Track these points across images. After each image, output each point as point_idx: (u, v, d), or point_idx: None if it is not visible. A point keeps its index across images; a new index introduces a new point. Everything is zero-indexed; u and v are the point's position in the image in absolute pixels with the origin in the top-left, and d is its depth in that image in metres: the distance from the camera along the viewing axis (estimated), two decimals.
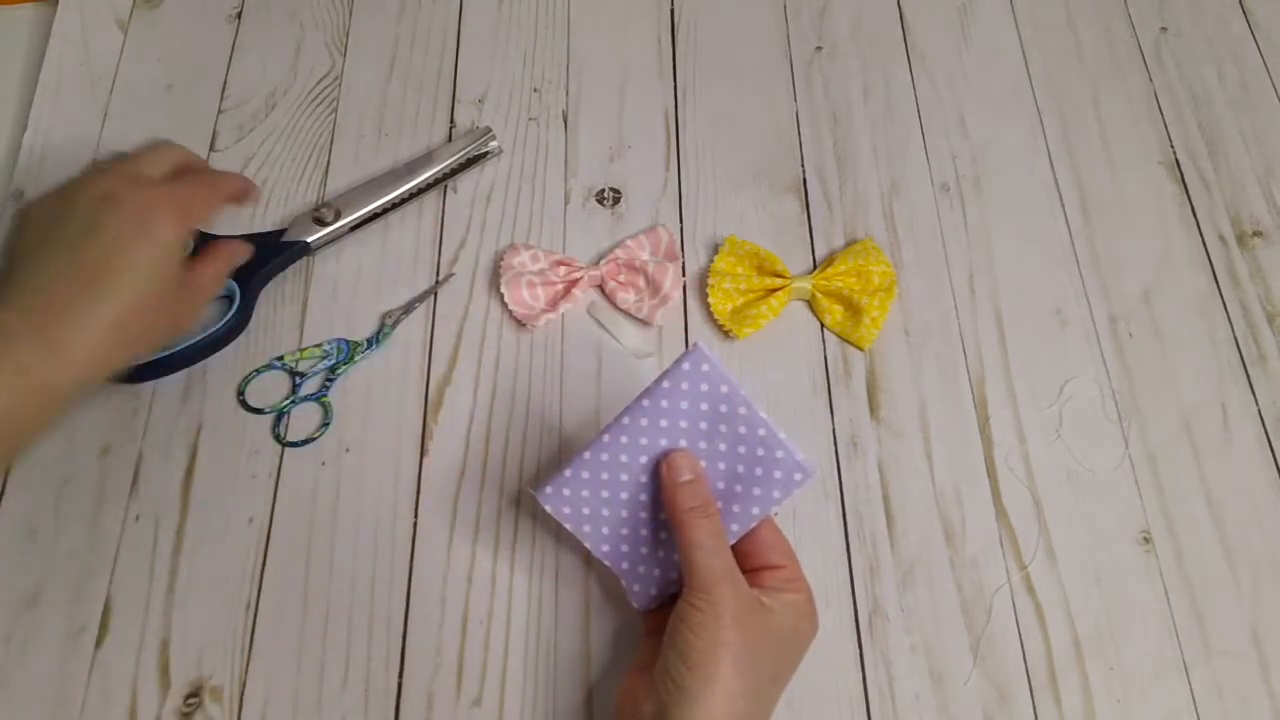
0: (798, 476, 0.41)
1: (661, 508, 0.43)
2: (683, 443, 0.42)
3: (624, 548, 0.44)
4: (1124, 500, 0.52)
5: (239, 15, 0.67)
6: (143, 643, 0.48)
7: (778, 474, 0.41)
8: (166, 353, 0.51)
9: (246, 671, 0.47)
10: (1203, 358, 0.56)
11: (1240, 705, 0.47)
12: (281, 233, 0.55)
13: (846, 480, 0.52)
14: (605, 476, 0.43)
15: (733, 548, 0.42)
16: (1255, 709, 0.47)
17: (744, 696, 0.38)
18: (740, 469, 0.42)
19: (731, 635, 0.38)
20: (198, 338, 0.52)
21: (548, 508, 0.44)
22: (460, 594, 0.49)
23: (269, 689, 0.47)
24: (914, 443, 0.53)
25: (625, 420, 0.42)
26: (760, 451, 0.41)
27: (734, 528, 0.42)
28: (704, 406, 0.41)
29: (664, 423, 0.42)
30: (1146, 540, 0.51)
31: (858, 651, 0.48)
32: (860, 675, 0.48)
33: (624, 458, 0.42)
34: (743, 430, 0.41)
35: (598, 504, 0.43)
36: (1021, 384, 0.55)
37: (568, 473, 0.43)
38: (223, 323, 0.52)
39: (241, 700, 0.47)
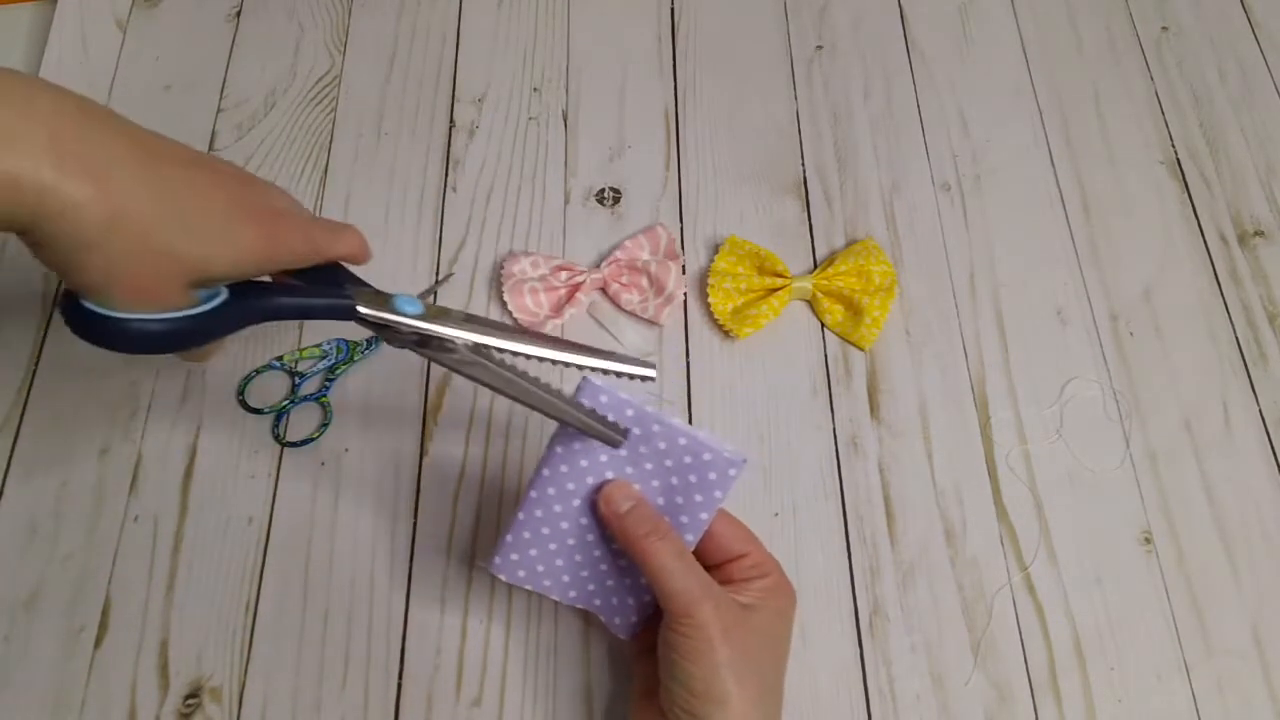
0: (731, 472, 0.40)
1: (613, 540, 0.42)
2: (609, 474, 0.41)
3: (590, 587, 0.43)
4: (1125, 500, 0.52)
5: (238, 14, 0.66)
6: (142, 643, 0.48)
7: (712, 475, 0.40)
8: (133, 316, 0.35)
9: (246, 672, 0.47)
10: (1204, 357, 0.56)
11: (1241, 705, 0.47)
12: (344, 287, 0.41)
13: (847, 480, 0.52)
14: (546, 531, 0.42)
15: (693, 553, 0.41)
16: (1256, 709, 0.47)
17: (757, 704, 0.38)
18: (674, 481, 0.41)
19: (726, 652, 0.38)
20: (182, 312, 0.36)
21: (502, 577, 0.43)
22: (460, 594, 0.49)
23: (268, 689, 0.47)
24: (914, 443, 0.53)
25: (545, 472, 0.41)
26: (688, 459, 0.40)
27: (689, 538, 0.41)
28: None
29: (584, 462, 0.41)
30: (1147, 540, 0.51)
31: (858, 652, 0.48)
32: (861, 675, 0.48)
33: (558, 507, 0.41)
34: (663, 445, 0.40)
35: (549, 557, 0.42)
36: (1022, 384, 0.55)
37: (509, 538, 0.42)
38: (208, 307, 0.37)
39: (241, 700, 0.47)
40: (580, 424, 0.39)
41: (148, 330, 0.34)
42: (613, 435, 0.39)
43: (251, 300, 0.38)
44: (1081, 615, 0.49)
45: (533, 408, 0.39)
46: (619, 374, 0.40)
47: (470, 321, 0.40)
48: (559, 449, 0.41)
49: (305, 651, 0.48)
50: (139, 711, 0.46)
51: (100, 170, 0.32)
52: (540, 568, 0.43)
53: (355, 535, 0.50)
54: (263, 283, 0.39)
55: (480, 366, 0.40)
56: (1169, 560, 0.50)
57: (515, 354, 0.40)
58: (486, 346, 0.40)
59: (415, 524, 0.51)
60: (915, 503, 0.51)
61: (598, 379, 0.40)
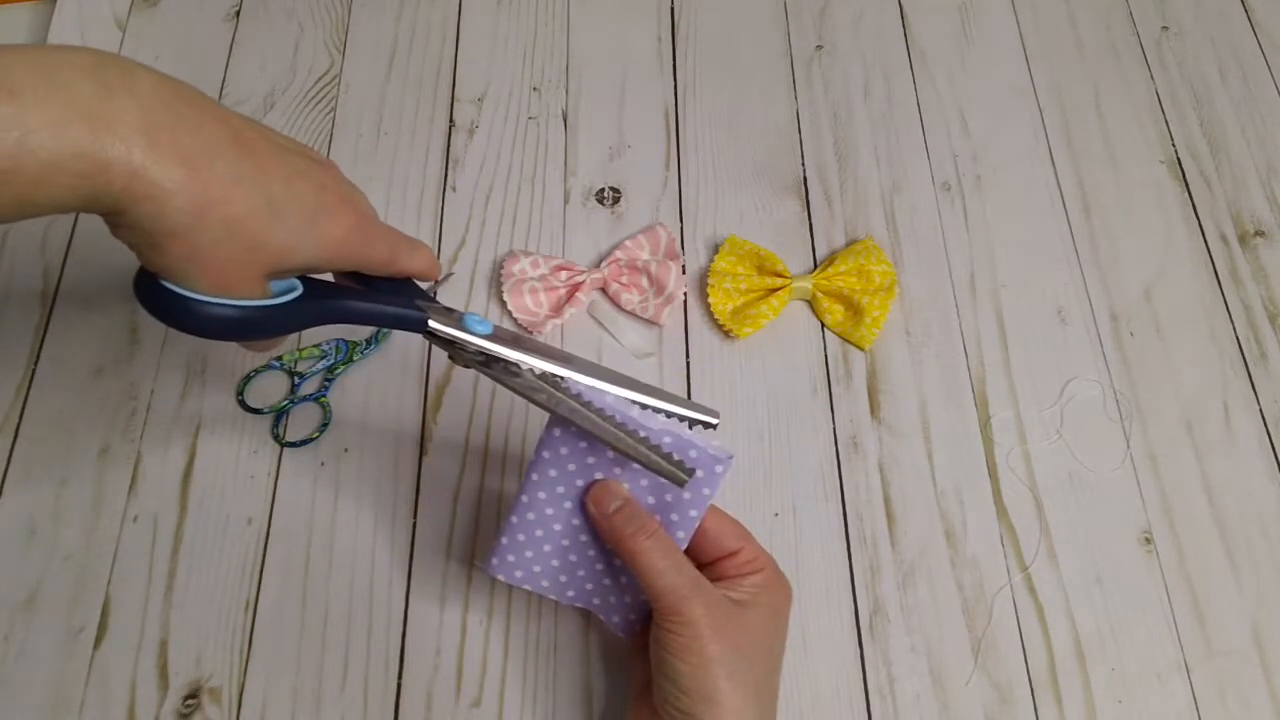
0: (718, 469, 0.40)
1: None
2: (598, 475, 0.41)
3: (588, 586, 0.43)
4: (1125, 500, 0.52)
5: (237, 14, 0.66)
6: (141, 643, 0.48)
7: (700, 472, 0.40)
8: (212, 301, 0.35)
9: (245, 672, 0.47)
10: (1204, 357, 0.56)
11: (1242, 705, 0.47)
12: (413, 301, 0.40)
13: (847, 480, 0.52)
14: (539, 532, 0.42)
15: (685, 552, 0.41)
16: (1257, 709, 0.47)
17: (750, 701, 0.38)
18: (663, 480, 0.41)
19: (716, 648, 0.38)
20: (256, 302, 0.36)
21: (500, 577, 0.43)
22: (459, 594, 0.49)
23: (268, 690, 0.47)
24: (915, 443, 0.53)
25: (534, 475, 0.41)
26: (675, 457, 0.40)
27: (680, 535, 0.41)
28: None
29: (571, 466, 0.41)
30: (1148, 540, 0.51)
31: (858, 652, 0.48)
32: (861, 676, 0.48)
33: (549, 510, 0.41)
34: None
35: (545, 558, 0.42)
36: (1023, 383, 0.55)
37: (504, 540, 0.42)
38: (284, 300, 0.37)
39: (240, 701, 0.46)
40: (646, 460, 0.39)
41: (221, 315, 0.34)
42: (678, 474, 0.39)
43: (325, 299, 0.38)
44: (1082, 615, 0.49)
45: (597, 438, 0.39)
46: (681, 418, 0.40)
47: (538, 349, 0.40)
48: (545, 452, 0.41)
49: (305, 652, 0.48)
50: (138, 712, 0.46)
51: (193, 157, 0.31)
52: (537, 568, 0.43)
53: (355, 535, 0.50)
54: (336, 283, 0.39)
55: (546, 394, 0.39)
56: (1169, 560, 0.50)
57: (580, 384, 0.40)
58: (553, 374, 0.40)
59: (415, 524, 0.51)
60: (915, 503, 0.51)
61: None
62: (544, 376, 0.40)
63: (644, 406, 0.40)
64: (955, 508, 0.51)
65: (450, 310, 0.40)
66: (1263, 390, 0.55)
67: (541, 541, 0.42)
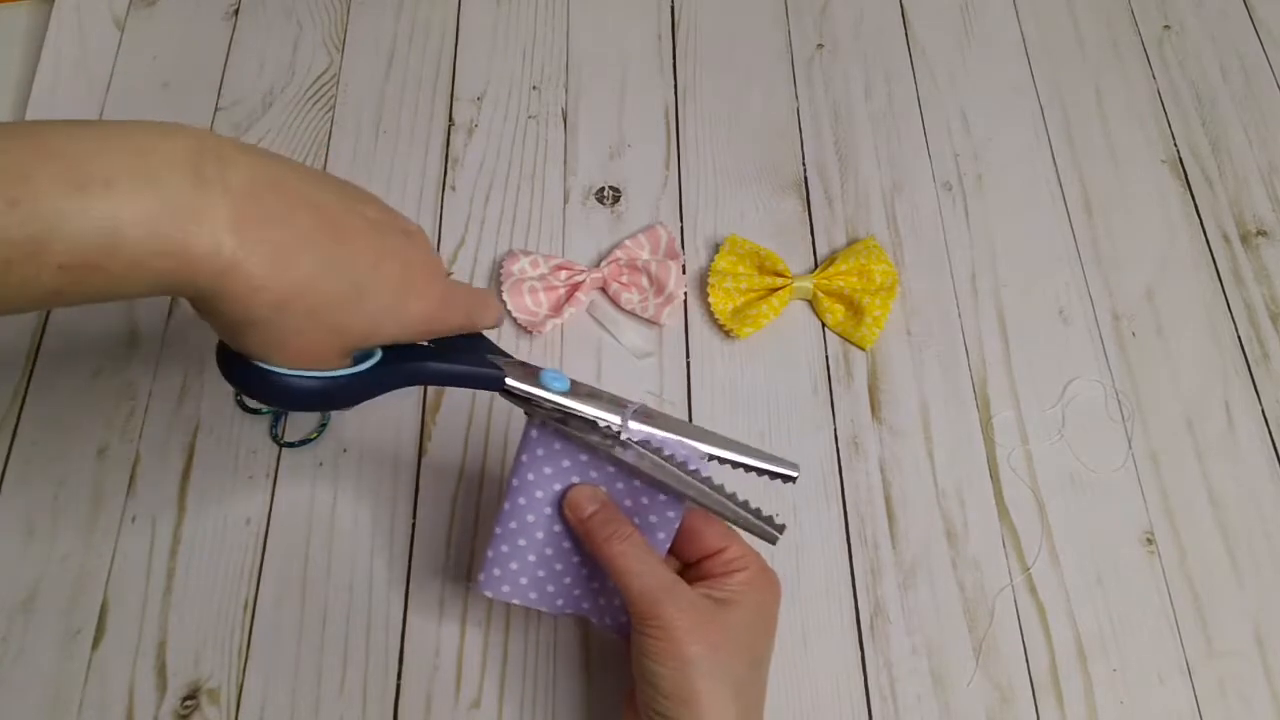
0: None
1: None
2: (575, 479, 0.41)
3: (577, 591, 0.43)
4: (1127, 500, 0.52)
5: (236, 12, 0.66)
6: (140, 644, 0.47)
7: (680, 474, 0.40)
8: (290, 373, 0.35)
9: (244, 673, 0.47)
10: (1206, 357, 0.55)
11: (1243, 706, 0.47)
12: (498, 367, 0.40)
13: (848, 481, 0.52)
14: (523, 543, 0.42)
15: (670, 550, 0.41)
16: (1258, 709, 0.47)
17: (731, 701, 0.37)
18: (637, 481, 0.41)
19: (694, 649, 0.37)
20: (335, 372, 0.36)
21: (488, 594, 0.42)
22: (459, 595, 0.49)
23: (266, 691, 0.47)
24: (916, 443, 0.53)
25: (514, 483, 0.41)
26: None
27: (660, 536, 0.41)
28: (576, 440, 0.40)
29: (548, 470, 0.41)
30: (1149, 540, 0.51)
31: (859, 653, 0.48)
32: (862, 676, 0.47)
33: (530, 517, 0.41)
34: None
35: (531, 569, 0.42)
36: (1024, 384, 0.54)
37: (490, 554, 0.42)
38: (363, 368, 0.37)
39: (239, 702, 0.46)
40: (735, 516, 0.38)
41: (302, 388, 0.35)
42: (770, 530, 0.38)
43: (405, 364, 0.38)
44: (1083, 616, 0.49)
45: (681, 494, 0.39)
46: (760, 471, 0.40)
47: (617, 403, 0.40)
48: (524, 457, 0.41)
49: (303, 652, 0.47)
50: (136, 712, 0.46)
51: (281, 251, 0.32)
52: (524, 580, 0.42)
53: (354, 536, 0.50)
54: (412, 346, 0.39)
55: (629, 449, 0.39)
56: (1171, 561, 0.50)
57: (658, 437, 0.39)
58: (632, 428, 0.39)
59: (414, 524, 0.50)
60: (916, 503, 0.51)
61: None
62: (620, 430, 0.39)
63: (721, 460, 0.39)
64: (956, 508, 0.51)
65: (525, 365, 0.40)
66: (1264, 390, 0.55)
67: (526, 551, 0.42)
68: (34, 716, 0.46)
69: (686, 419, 0.53)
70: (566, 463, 0.41)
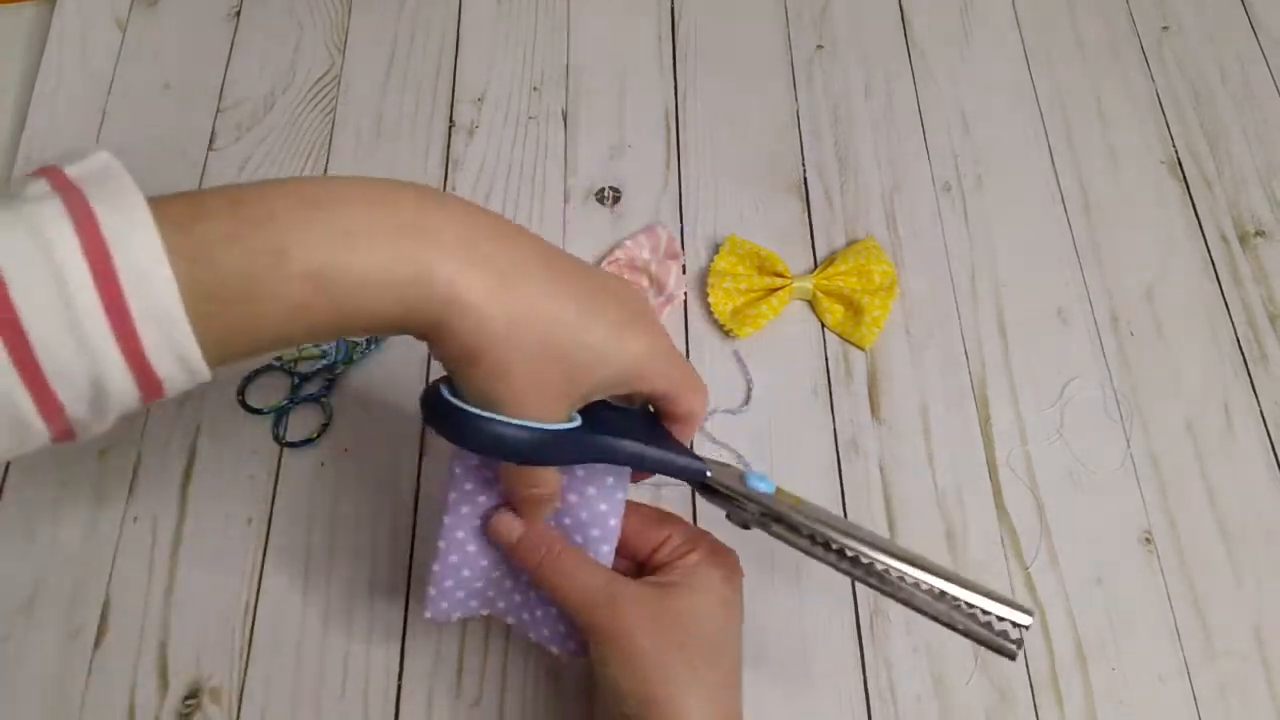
0: (625, 467, 0.39)
1: None
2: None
3: (526, 616, 0.42)
4: (1126, 500, 0.52)
5: (237, 14, 0.66)
6: (141, 644, 0.48)
7: (610, 478, 0.40)
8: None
9: (245, 673, 0.47)
10: (1205, 357, 0.56)
11: (1243, 706, 0.47)
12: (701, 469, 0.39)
13: (847, 480, 0.52)
14: (467, 574, 0.40)
15: (619, 553, 0.40)
16: (1258, 709, 0.47)
17: (688, 688, 0.36)
18: (572, 498, 0.40)
19: (641, 642, 0.36)
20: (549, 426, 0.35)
21: (440, 621, 0.41)
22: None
23: (268, 690, 0.47)
24: (915, 443, 0.53)
25: (447, 519, 0.40)
26: (580, 471, 0.40)
27: (605, 549, 0.40)
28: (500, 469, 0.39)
29: (482, 498, 0.40)
30: (1148, 540, 0.51)
31: (859, 652, 0.48)
32: (861, 677, 0.48)
33: (471, 548, 0.40)
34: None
35: (480, 592, 0.41)
36: (1023, 384, 0.54)
37: (432, 591, 0.40)
38: (564, 427, 0.36)
39: (240, 701, 0.46)
40: (966, 630, 0.37)
41: (512, 436, 0.34)
42: (1007, 645, 0.36)
43: (603, 436, 0.37)
44: (1082, 616, 0.49)
45: (903, 602, 0.37)
46: (985, 612, 0.37)
47: (823, 520, 0.38)
48: (453, 493, 0.40)
49: (305, 652, 0.48)
50: (138, 712, 0.46)
51: (508, 272, 0.32)
52: (474, 603, 0.41)
53: (355, 535, 0.50)
54: (617, 422, 0.38)
55: (845, 561, 0.38)
56: (1170, 561, 0.50)
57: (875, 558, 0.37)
58: (840, 545, 0.38)
59: (415, 524, 0.51)
60: (916, 503, 0.51)
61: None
62: (827, 544, 0.38)
63: (944, 594, 0.37)
64: (956, 508, 0.51)
65: (728, 466, 0.40)
66: (1263, 390, 0.55)
67: (472, 580, 0.41)
68: (35, 716, 0.46)
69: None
70: (500, 488, 0.39)
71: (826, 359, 0.55)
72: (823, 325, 0.56)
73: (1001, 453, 0.53)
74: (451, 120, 0.62)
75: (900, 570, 0.37)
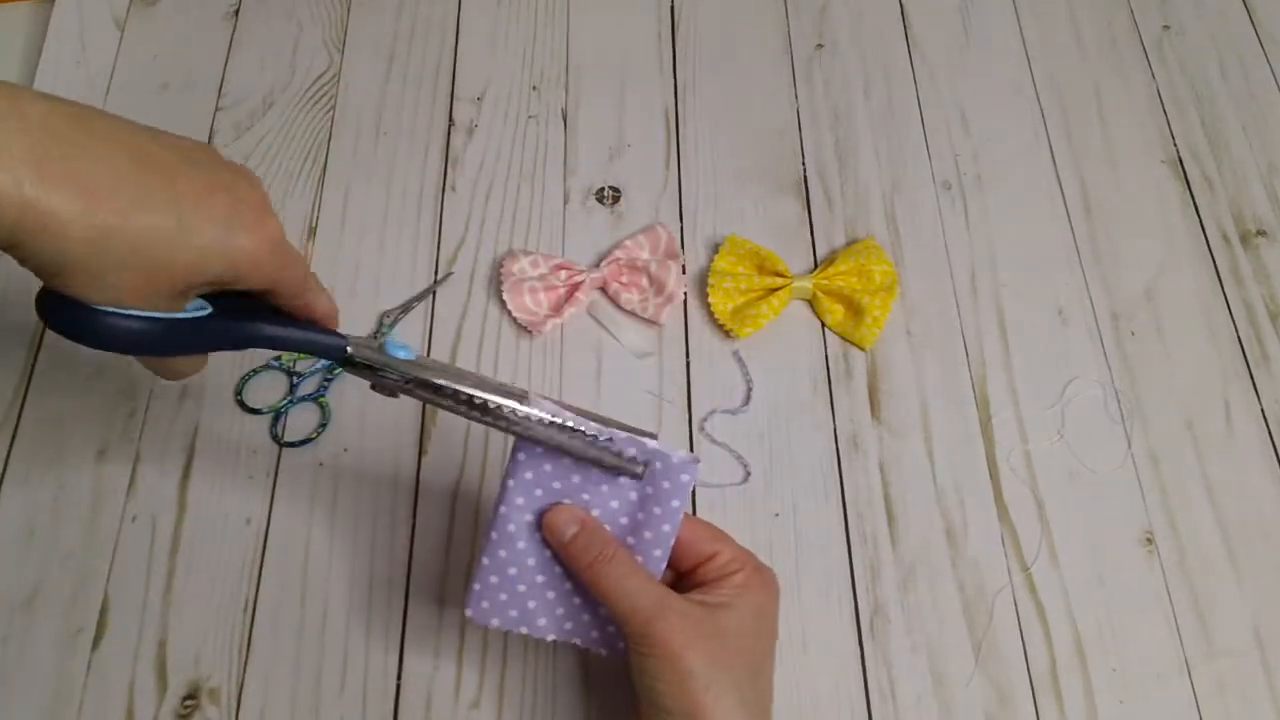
0: (685, 478, 0.39)
1: None
2: (566, 502, 0.40)
3: (569, 626, 0.42)
4: (1126, 500, 0.52)
5: (236, 13, 0.66)
6: (140, 643, 0.48)
7: (666, 484, 0.40)
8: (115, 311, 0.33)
9: (244, 673, 0.47)
10: (1205, 357, 0.55)
11: (1243, 706, 0.47)
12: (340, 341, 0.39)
13: (847, 480, 0.52)
14: (513, 571, 0.40)
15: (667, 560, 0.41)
16: (1258, 709, 0.47)
17: (733, 710, 0.37)
18: (633, 496, 0.40)
19: (691, 662, 0.37)
20: (168, 315, 0.35)
21: (479, 622, 0.41)
22: (459, 594, 0.49)
23: (267, 690, 0.47)
24: (915, 442, 0.53)
25: (502, 510, 0.40)
26: (629, 454, 0.39)
27: (656, 554, 0.40)
28: (566, 460, 0.40)
29: (539, 492, 0.40)
30: (1149, 540, 0.51)
31: (859, 652, 0.48)
32: (861, 676, 0.47)
33: (521, 544, 0.40)
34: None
35: (521, 599, 0.41)
36: (1023, 383, 0.54)
37: (477, 586, 0.41)
38: (189, 315, 0.36)
39: (239, 702, 0.46)
40: (594, 457, 0.38)
41: (125, 328, 0.33)
42: (630, 468, 0.38)
43: (238, 321, 0.37)
44: (1083, 616, 0.49)
45: (536, 441, 0.39)
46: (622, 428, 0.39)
47: (455, 376, 0.39)
48: (510, 482, 0.40)
49: (304, 652, 0.47)
50: (137, 712, 0.46)
51: (92, 185, 0.30)
52: (514, 612, 0.41)
53: (354, 535, 0.50)
54: (251, 307, 0.38)
55: (475, 411, 0.39)
56: (1170, 560, 0.50)
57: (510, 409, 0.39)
58: (483, 399, 0.38)
59: (414, 524, 0.51)
60: (916, 503, 0.51)
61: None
62: (469, 401, 0.39)
63: (571, 429, 0.39)
64: (956, 508, 0.51)
65: (368, 339, 0.39)
66: (1264, 390, 0.55)
67: (516, 580, 0.41)
68: (34, 716, 0.46)
69: (687, 419, 0.53)
70: (558, 484, 0.40)
71: (826, 359, 0.55)
72: (823, 325, 0.56)
73: (1002, 452, 0.53)
74: (451, 119, 0.62)
75: (527, 412, 0.38)
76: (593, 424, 0.39)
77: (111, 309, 0.33)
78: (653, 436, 0.40)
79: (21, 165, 0.29)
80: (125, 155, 0.32)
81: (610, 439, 0.39)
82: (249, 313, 0.38)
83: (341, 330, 0.40)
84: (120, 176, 0.31)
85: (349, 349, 0.38)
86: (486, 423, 0.39)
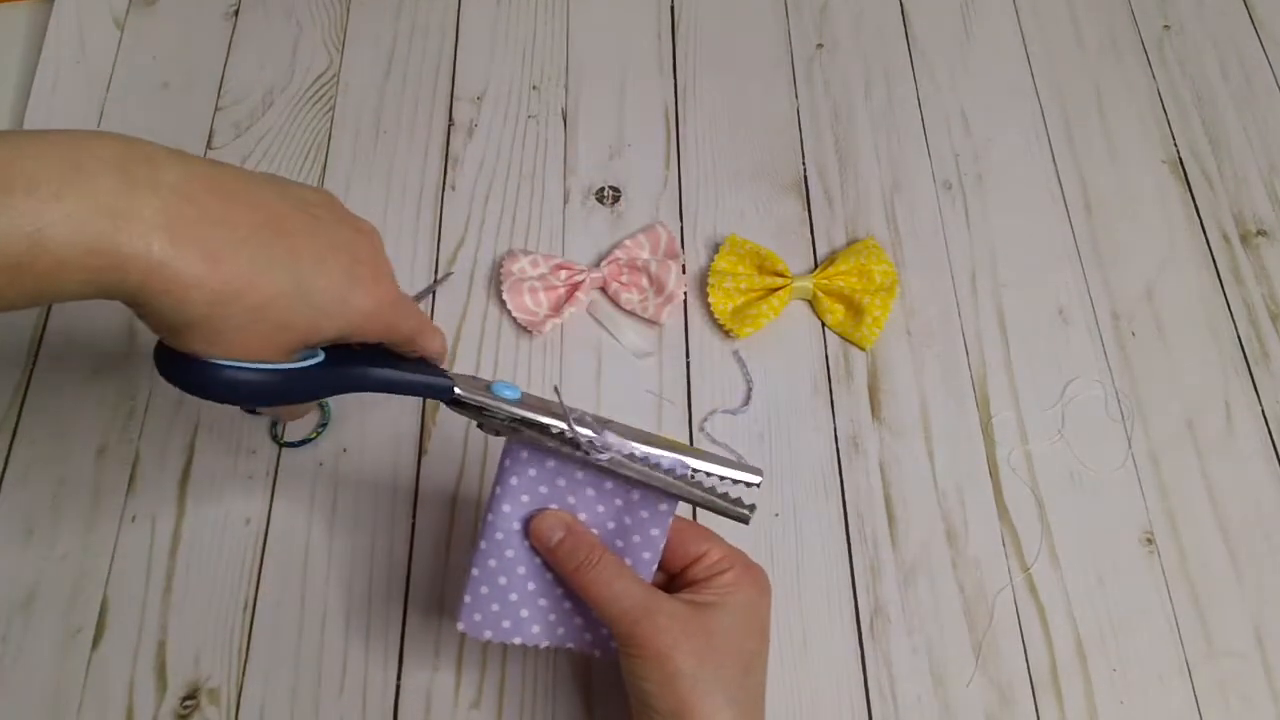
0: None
1: None
2: (553, 507, 0.40)
3: (560, 631, 0.42)
4: (1127, 500, 0.52)
5: (236, 12, 0.66)
6: (139, 644, 0.47)
7: (657, 488, 0.39)
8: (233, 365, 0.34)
9: (244, 673, 0.47)
10: (1206, 357, 0.55)
11: (1244, 706, 0.47)
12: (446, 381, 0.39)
13: (848, 480, 0.52)
14: (504, 581, 0.41)
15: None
16: (1259, 710, 0.47)
17: (724, 708, 0.37)
18: (619, 502, 0.40)
19: (679, 662, 0.37)
20: (283, 365, 0.35)
21: (473, 636, 0.41)
22: (458, 594, 0.48)
23: (266, 691, 0.47)
24: (915, 443, 0.53)
25: (490, 517, 0.40)
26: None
27: (645, 556, 0.40)
28: (550, 464, 0.40)
29: (525, 499, 0.40)
30: (1149, 540, 0.51)
31: (859, 652, 0.48)
32: (861, 676, 0.47)
33: (509, 552, 0.40)
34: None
35: (514, 609, 0.41)
36: (1024, 383, 0.54)
37: (468, 598, 0.41)
38: (303, 365, 0.36)
39: (239, 702, 0.46)
40: (704, 502, 0.38)
41: (242, 380, 0.34)
42: (741, 511, 0.38)
43: (349, 366, 0.38)
44: (1083, 616, 0.49)
45: (649, 488, 0.39)
46: (722, 478, 0.39)
47: (571, 414, 0.38)
48: (498, 489, 0.40)
49: (303, 652, 0.47)
50: (136, 712, 0.46)
51: (217, 249, 0.31)
52: (506, 623, 0.41)
53: (353, 535, 0.50)
54: (359, 352, 0.39)
55: (603, 453, 0.38)
56: (1171, 561, 0.50)
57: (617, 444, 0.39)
58: (587, 438, 0.38)
59: (414, 524, 0.50)
60: (916, 503, 0.51)
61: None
62: (575, 444, 0.38)
63: (690, 469, 0.39)
64: (956, 508, 0.51)
65: (475, 378, 0.40)
66: (1264, 390, 0.55)
67: (507, 590, 0.41)
68: (34, 716, 0.46)
69: (687, 419, 0.53)
70: (544, 489, 0.40)
71: (827, 359, 0.55)
72: (823, 325, 0.56)
73: (1002, 452, 0.53)
74: (451, 119, 0.62)
75: (646, 453, 0.38)
76: (689, 458, 0.39)
77: (228, 363, 0.34)
78: (758, 471, 0.39)
79: (153, 230, 0.30)
80: (251, 217, 0.33)
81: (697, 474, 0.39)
82: (359, 357, 0.39)
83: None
84: (244, 240, 0.32)
85: (456, 390, 0.39)
86: (596, 463, 0.38)
